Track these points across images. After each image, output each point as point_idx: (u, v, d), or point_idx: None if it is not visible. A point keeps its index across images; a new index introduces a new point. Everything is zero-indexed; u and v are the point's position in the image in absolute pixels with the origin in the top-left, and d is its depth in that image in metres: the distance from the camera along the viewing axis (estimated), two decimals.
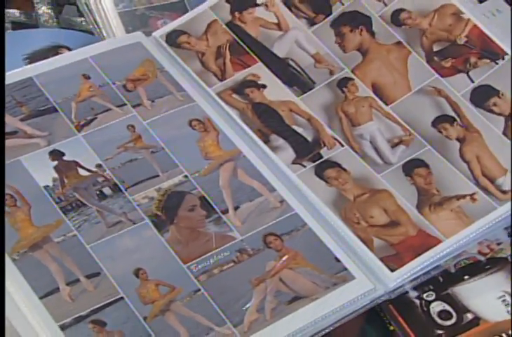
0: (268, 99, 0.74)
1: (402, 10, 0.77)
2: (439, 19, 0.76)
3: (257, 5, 0.79)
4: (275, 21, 0.79)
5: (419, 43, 0.76)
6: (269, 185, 0.67)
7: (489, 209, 0.66)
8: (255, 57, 0.76)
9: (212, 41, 0.78)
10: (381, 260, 0.62)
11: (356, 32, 0.76)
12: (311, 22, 0.78)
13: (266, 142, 0.70)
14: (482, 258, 0.69)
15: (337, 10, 0.78)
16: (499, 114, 0.71)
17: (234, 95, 0.74)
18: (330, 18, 0.78)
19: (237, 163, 0.68)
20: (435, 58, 0.75)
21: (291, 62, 0.76)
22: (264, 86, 0.75)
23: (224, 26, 0.78)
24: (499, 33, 0.74)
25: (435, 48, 0.75)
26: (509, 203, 0.66)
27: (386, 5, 0.78)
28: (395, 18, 0.77)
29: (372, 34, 0.77)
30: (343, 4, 0.78)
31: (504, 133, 0.70)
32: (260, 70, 0.76)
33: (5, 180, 0.63)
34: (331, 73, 0.75)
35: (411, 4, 0.77)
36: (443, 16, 0.76)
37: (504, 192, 0.67)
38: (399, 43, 0.76)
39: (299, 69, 0.76)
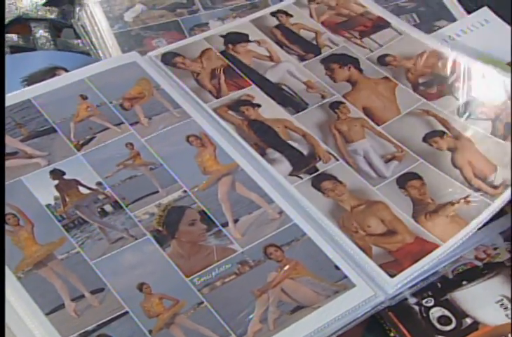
0: (264, 116, 0.76)
1: (387, 55, 0.83)
2: (422, 61, 0.82)
3: (250, 41, 0.83)
4: (267, 54, 0.82)
5: (405, 77, 0.80)
6: (267, 197, 0.68)
7: (483, 207, 0.67)
8: (249, 80, 0.78)
9: (207, 64, 0.80)
10: (381, 266, 0.63)
11: (345, 68, 0.81)
12: (302, 59, 0.83)
13: (263, 155, 0.72)
14: (480, 263, 0.70)
15: (325, 51, 0.84)
16: (486, 119, 0.74)
17: (230, 112, 0.75)
18: (320, 56, 0.83)
19: (235, 176, 0.69)
20: (421, 88, 0.79)
21: (284, 87, 0.79)
22: (258, 105, 0.76)
23: (218, 53, 0.81)
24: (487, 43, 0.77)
25: (421, 81, 0.80)
26: (502, 196, 0.67)
27: (371, 51, 0.84)
28: (382, 60, 0.83)
29: (360, 70, 0.82)
30: (331, 48, 0.84)
31: (493, 133, 0.72)
32: (254, 91, 0.78)
33: (7, 200, 0.64)
34: (323, 97, 0.78)
35: (394, 51, 0.83)
36: (426, 58, 0.82)
37: (496, 187, 0.68)
38: (386, 77, 0.81)
39: (291, 92, 0.78)
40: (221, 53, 0.82)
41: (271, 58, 0.82)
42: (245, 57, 0.81)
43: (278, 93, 0.78)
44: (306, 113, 0.76)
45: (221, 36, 0.84)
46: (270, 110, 0.76)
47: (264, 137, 0.74)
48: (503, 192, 0.68)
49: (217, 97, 0.77)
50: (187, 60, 0.80)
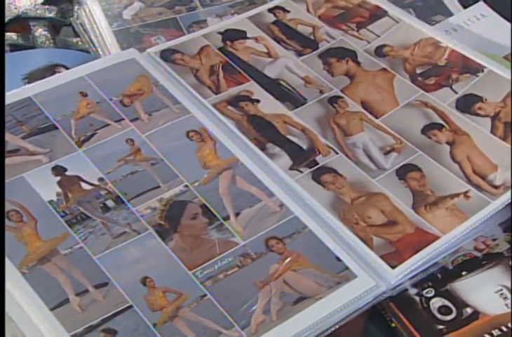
0: (263, 112, 0.76)
1: (384, 45, 0.84)
2: (419, 49, 0.83)
3: (248, 38, 0.84)
4: (265, 50, 0.83)
5: (403, 68, 0.81)
6: (268, 191, 0.68)
7: (483, 204, 0.67)
8: (247, 76, 0.79)
9: (205, 60, 0.80)
10: (382, 257, 0.63)
11: (343, 62, 0.82)
12: (299, 54, 0.83)
13: (263, 149, 0.72)
14: (479, 254, 0.70)
15: (323, 46, 0.84)
16: (485, 116, 0.75)
17: (229, 107, 0.76)
18: (317, 51, 0.84)
19: (235, 170, 0.70)
20: (419, 78, 0.80)
21: (282, 82, 0.79)
22: (257, 101, 0.77)
23: (217, 50, 0.81)
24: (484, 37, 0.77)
25: (418, 71, 0.81)
26: (502, 197, 0.68)
27: (369, 42, 0.84)
28: (379, 51, 0.83)
29: (358, 63, 0.82)
30: (328, 42, 0.85)
31: (492, 132, 0.73)
32: (253, 87, 0.79)
33: (10, 197, 0.65)
34: (321, 92, 0.79)
35: (392, 41, 0.84)
36: (423, 47, 0.83)
37: (496, 187, 0.69)
38: (384, 69, 0.81)
39: (290, 88, 0.79)
40: (220, 49, 0.82)
41: (269, 54, 0.83)
42: (243, 54, 0.82)
43: (276, 88, 0.79)
44: (304, 108, 0.77)
45: (219, 33, 0.84)
46: (269, 106, 0.77)
47: (264, 132, 0.74)
48: (504, 193, 0.68)
49: (216, 93, 0.77)
50: (186, 56, 0.81)
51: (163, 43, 0.82)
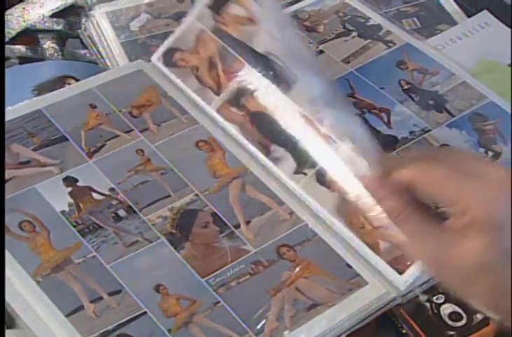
0: (262, 104, 0.73)
1: None
2: None
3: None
4: (246, 15, 0.76)
5: None
6: (277, 199, 0.69)
7: None
8: (242, 60, 0.76)
9: (203, 51, 0.78)
10: (389, 263, 0.64)
11: None
12: None
13: (268, 154, 0.72)
14: None
15: None
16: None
17: (232, 108, 0.75)
18: None
19: (244, 179, 0.71)
20: None
21: (271, 57, 0.74)
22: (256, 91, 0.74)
23: (211, 33, 0.79)
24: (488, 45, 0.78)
25: None
26: None
27: None
28: None
29: None
30: None
31: None
32: (249, 74, 0.74)
33: (22, 207, 0.66)
34: None
35: None
36: None
37: None
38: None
39: (280, 63, 0.75)
40: (213, 32, 0.77)
41: (250, 20, 0.75)
42: (233, 29, 0.76)
43: (268, 66, 0.73)
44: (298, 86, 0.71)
45: (208, 7, 0.78)
46: (266, 91, 0.72)
47: (266, 132, 0.73)
48: None
49: (217, 94, 0.76)
50: (185, 53, 0.79)
51: (163, 44, 0.80)
